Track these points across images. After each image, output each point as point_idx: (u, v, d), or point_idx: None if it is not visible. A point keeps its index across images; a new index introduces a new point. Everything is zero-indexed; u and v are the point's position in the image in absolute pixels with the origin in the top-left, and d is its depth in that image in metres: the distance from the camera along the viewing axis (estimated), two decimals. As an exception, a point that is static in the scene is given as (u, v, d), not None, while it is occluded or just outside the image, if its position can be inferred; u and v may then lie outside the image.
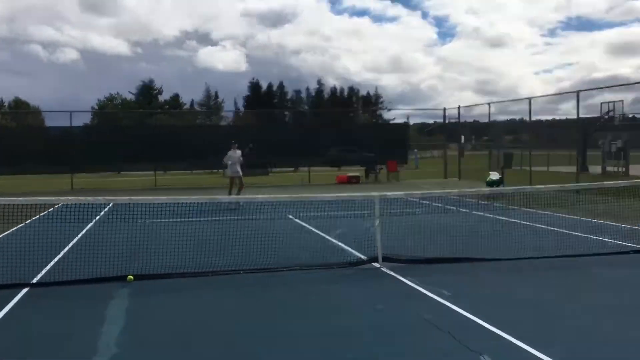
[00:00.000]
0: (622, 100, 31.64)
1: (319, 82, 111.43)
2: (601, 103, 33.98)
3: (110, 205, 11.52)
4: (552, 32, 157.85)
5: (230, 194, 15.94)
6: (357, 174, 26.45)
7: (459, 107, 26.66)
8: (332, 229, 10.74)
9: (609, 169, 29.26)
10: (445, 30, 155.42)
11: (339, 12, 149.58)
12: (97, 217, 12.33)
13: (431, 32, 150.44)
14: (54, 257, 8.73)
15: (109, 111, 68.88)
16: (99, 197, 8.42)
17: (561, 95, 48.26)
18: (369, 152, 28.70)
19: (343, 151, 29.27)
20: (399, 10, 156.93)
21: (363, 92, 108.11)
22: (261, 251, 8.44)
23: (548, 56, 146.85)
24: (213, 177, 32.18)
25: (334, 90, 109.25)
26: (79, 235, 10.72)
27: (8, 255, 8.44)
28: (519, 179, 20.53)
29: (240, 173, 16.47)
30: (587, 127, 34.42)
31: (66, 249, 9.61)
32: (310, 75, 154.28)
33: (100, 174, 29.86)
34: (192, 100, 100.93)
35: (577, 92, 20.07)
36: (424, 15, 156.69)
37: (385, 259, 8.20)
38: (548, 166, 30.82)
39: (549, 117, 40.67)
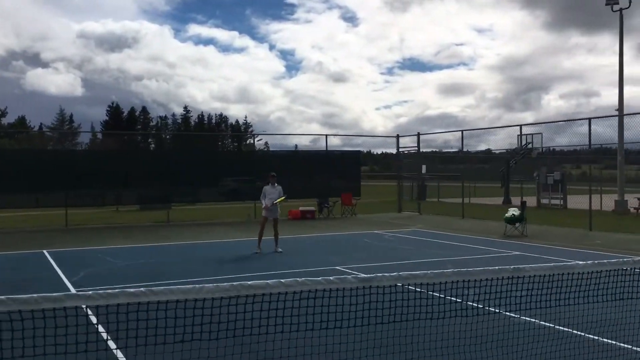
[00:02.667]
0: (540, 133, 32.58)
1: (186, 108, 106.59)
2: (518, 135, 34.87)
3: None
4: (390, 71, 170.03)
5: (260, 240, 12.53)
6: (311, 207, 23.39)
7: (418, 134, 24.92)
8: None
9: (544, 201, 29.40)
10: (292, 63, 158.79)
11: (184, 40, 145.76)
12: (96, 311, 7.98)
13: (279, 65, 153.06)
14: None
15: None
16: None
17: (400, 131, 49.70)
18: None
19: (238, 181, 25.25)
20: (246, 41, 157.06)
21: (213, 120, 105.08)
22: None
23: (387, 93, 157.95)
24: (114, 212, 27.08)
25: (201, 116, 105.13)
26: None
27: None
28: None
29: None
30: (508, 160, 35.02)
31: None
32: (153, 102, 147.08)
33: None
34: (41, 124, 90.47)
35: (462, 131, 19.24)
36: (271, 47, 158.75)
37: None
38: (469, 197, 30.47)
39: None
